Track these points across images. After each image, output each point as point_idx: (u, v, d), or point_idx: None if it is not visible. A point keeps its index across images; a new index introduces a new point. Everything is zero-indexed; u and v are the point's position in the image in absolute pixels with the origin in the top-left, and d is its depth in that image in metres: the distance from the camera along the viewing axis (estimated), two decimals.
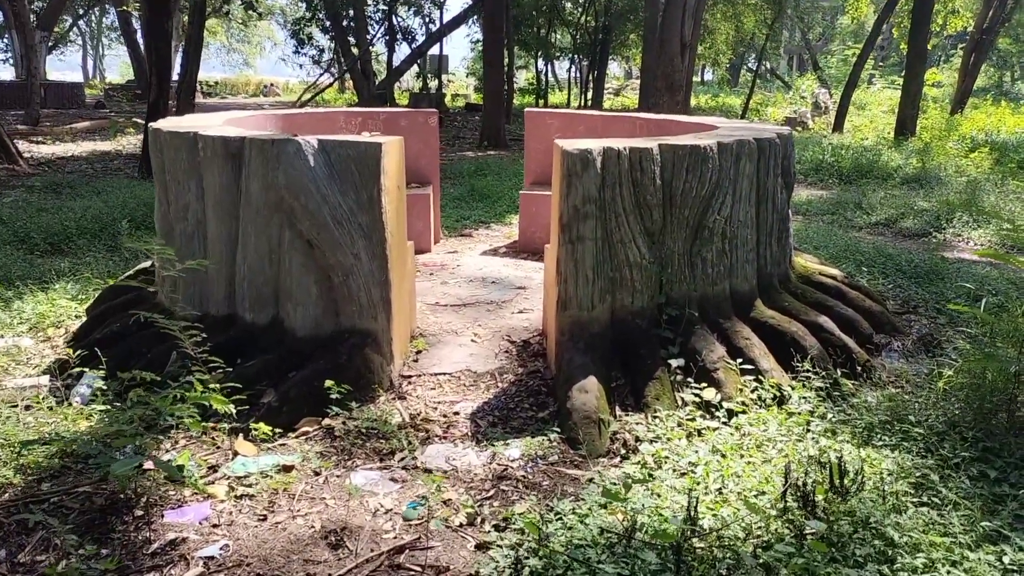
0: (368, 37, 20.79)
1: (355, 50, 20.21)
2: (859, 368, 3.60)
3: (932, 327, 4.33)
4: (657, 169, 3.40)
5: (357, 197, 3.25)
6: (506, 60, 24.59)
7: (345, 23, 20.53)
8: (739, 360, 3.41)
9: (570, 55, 31.17)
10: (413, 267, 4.02)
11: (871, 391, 3.41)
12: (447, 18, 25.03)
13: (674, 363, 3.36)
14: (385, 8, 23.27)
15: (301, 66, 23.99)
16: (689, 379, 3.33)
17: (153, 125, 3.79)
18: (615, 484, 2.64)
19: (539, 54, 29.82)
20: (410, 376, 3.59)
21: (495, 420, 3.24)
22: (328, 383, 3.12)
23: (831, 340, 3.68)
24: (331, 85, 20.89)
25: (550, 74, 31.33)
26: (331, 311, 3.37)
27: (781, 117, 18.93)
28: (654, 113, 8.74)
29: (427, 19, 23.52)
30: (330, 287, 3.35)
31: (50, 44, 26.37)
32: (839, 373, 3.47)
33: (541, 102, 29.43)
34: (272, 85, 37.91)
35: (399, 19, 23.49)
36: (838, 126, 17.47)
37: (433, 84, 23.91)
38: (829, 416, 3.14)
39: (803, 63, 40.50)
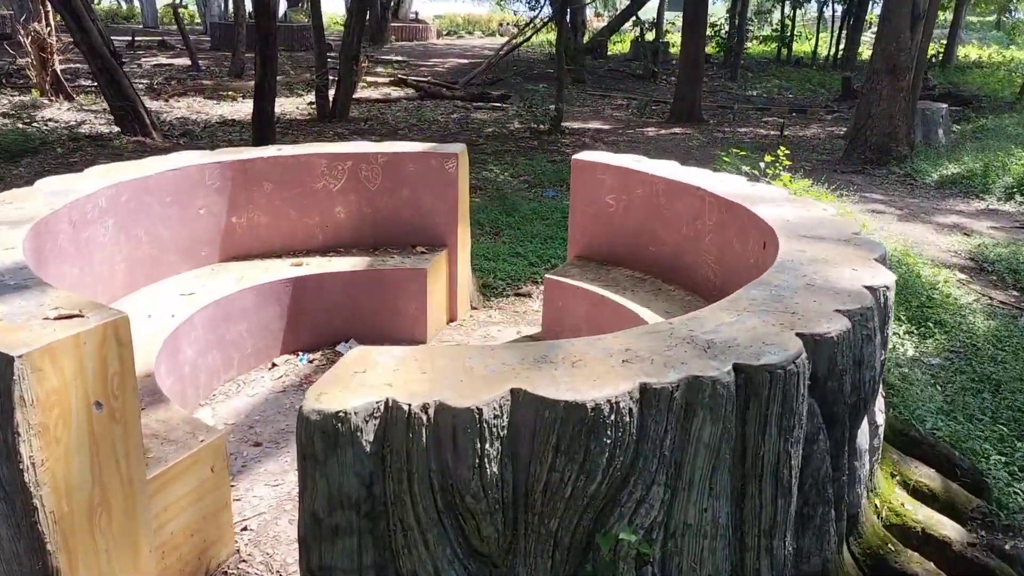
0: None
1: None
2: None
3: None
4: (491, 447, 1.78)
5: None
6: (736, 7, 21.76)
7: None
8: None
9: None
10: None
11: None
12: None
13: None
14: None
15: (516, 12, 22.74)
16: None
17: None
18: None
19: None
20: None
21: None
22: None
23: None
24: (538, 31, 19.43)
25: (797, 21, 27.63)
26: None
27: None
28: (861, 103, 6.47)
29: None
30: None
31: None
32: None
33: (784, 51, 26.09)
34: (506, 23, 37.07)
35: None
36: None
37: (650, 35, 21.67)
38: None
39: None
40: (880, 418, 2.69)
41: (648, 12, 26.62)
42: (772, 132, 13.03)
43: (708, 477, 1.93)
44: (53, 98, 11.95)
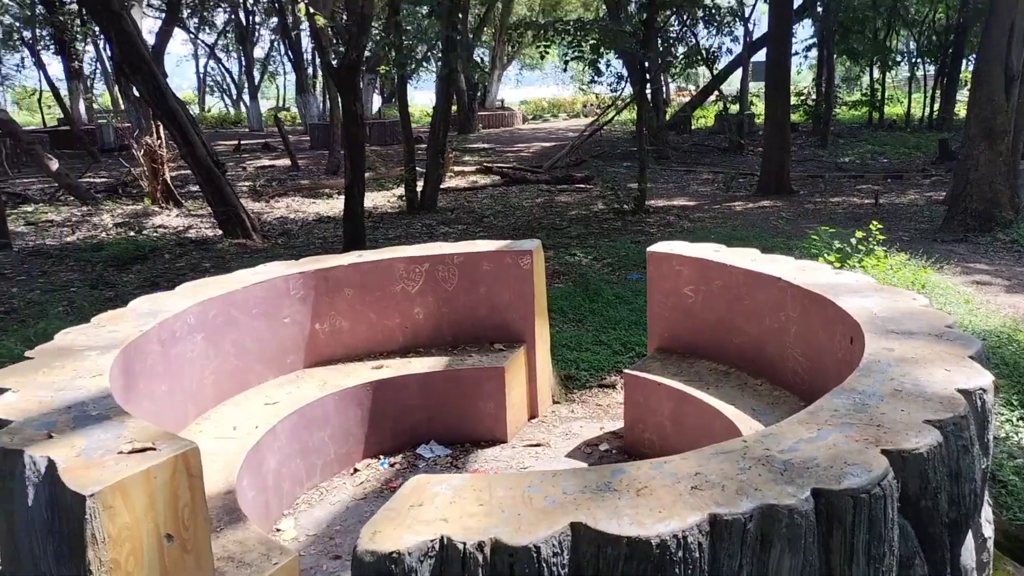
0: (659, 64, 19.19)
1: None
2: None
3: None
4: None
5: (70, 571, 2.02)
6: (823, 74, 21.54)
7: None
8: None
9: (912, 59, 26.73)
10: None
11: None
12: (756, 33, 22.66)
13: None
14: (685, 27, 21.55)
15: (597, 95, 23.10)
16: None
17: None
18: None
19: (874, 61, 25.96)
20: None
21: None
22: None
23: None
24: (620, 112, 19.66)
25: (888, 84, 27.09)
26: None
27: None
28: (959, 171, 6.07)
29: (730, 37, 21.30)
30: None
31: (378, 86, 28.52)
32: None
33: (876, 115, 25.58)
34: (589, 105, 37.68)
35: (697, 38, 21.62)
36: None
37: (734, 107, 21.62)
38: None
39: None
40: (988, 530, 2.47)
41: (732, 85, 26.69)
42: (866, 201, 12.65)
43: None
44: (163, 205, 12.74)
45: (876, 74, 25.80)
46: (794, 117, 24.73)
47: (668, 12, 18.79)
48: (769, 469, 1.93)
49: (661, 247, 4.40)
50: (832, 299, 3.30)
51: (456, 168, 17.07)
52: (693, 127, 26.10)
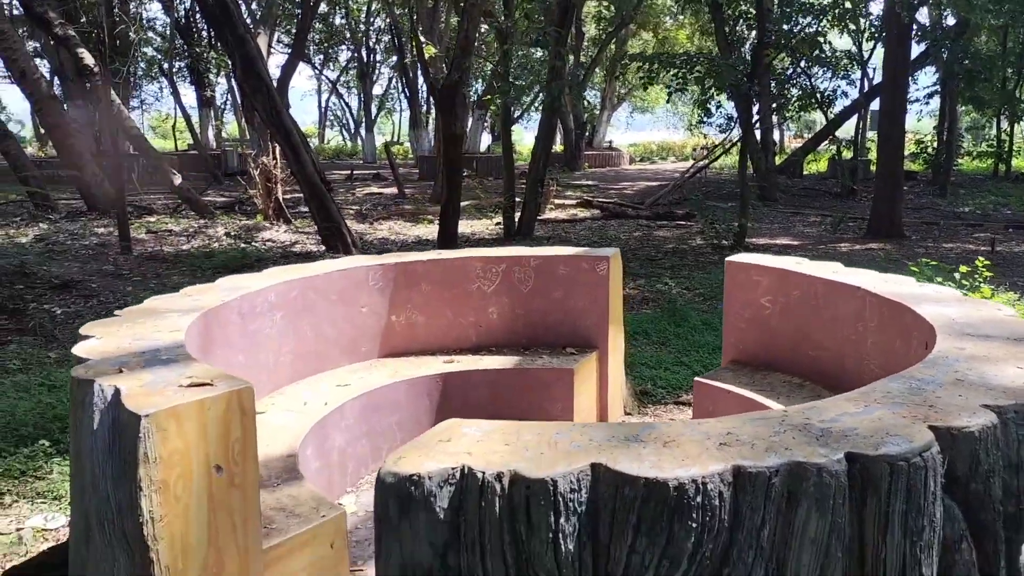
0: (770, 105, 18.92)
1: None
2: None
3: None
4: (566, 522, 1.70)
5: (124, 488, 2.15)
6: (944, 122, 20.73)
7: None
8: None
9: None
10: None
11: None
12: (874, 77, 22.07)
13: None
14: (799, 68, 21.17)
15: (705, 135, 22.92)
16: None
17: None
18: None
19: (1003, 111, 24.79)
20: None
21: None
22: None
23: None
24: (727, 151, 19.45)
25: (1016, 135, 25.77)
26: None
27: None
28: None
29: (846, 80, 20.78)
30: None
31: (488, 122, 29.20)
32: None
33: (1003, 166, 24.39)
34: (698, 148, 37.39)
35: (812, 80, 21.19)
36: None
37: (847, 152, 21.03)
38: None
39: None
40: None
41: (848, 132, 25.95)
42: (982, 248, 12.02)
43: None
44: (274, 222, 13.37)
45: (1004, 124, 24.60)
46: (913, 166, 23.87)
47: (782, 54, 18.56)
48: (805, 434, 1.87)
49: (740, 257, 4.33)
50: (911, 306, 3.18)
51: (557, 201, 17.22)
52: (805, 172, 25.50)
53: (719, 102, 22.22)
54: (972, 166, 26.65)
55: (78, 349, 2.66)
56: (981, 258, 6.73)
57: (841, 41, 25.57)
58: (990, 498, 1.93)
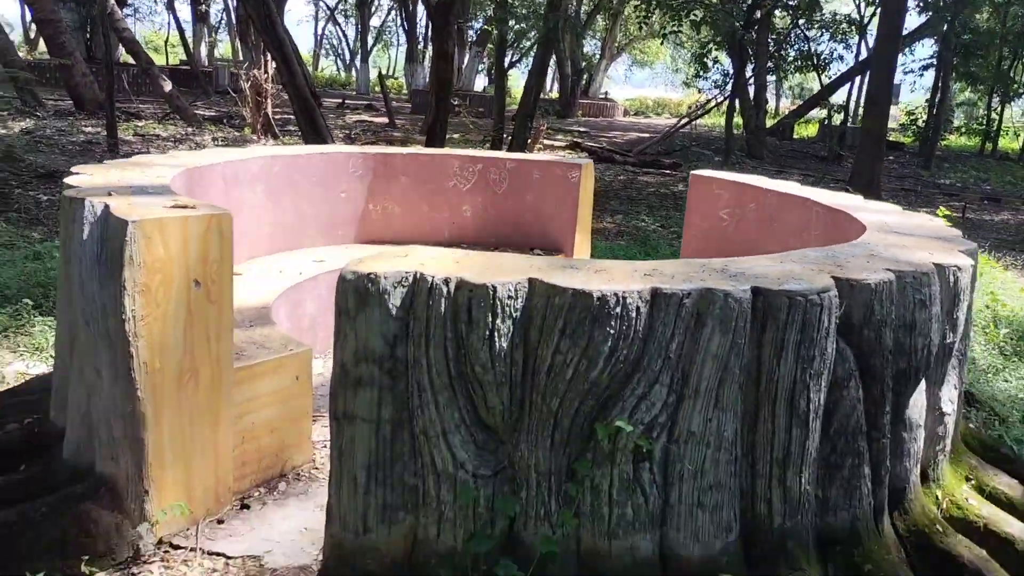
0: (766, 63, 18.96)
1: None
2: None
3: None
4: (502, 323, 1.94)
5: (109, 290, 2.37)
6: (936, 95, 20.88)
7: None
8: None
9: None
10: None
11: None
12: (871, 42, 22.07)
13: None
14: (798, 31, 21.19)
15: (700, 90, 22.95)
16: None
17: None
18: None
19: (995, 90, 24.94)
20: (181, 548, 2.58)
21: None
22: None
23: None
24: (716, 107, 19.55)
25: (1007, 115, 25.98)
26: (89, 439, 2.55)
27: None
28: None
29: (843, 44, 20.84)
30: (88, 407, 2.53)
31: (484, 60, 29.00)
32: None
33: (989, 145, 24.62)
34: (693, 105, 37.31)
35: (809, 42, 21.19)
36: None
37: (838, 118, 21.18)
38: None
39: None
40: (949, 408, 2.57)
41: (839, 99, 25.99)
42: (954, 214, 12.30)
43: (715, 389, 1.98)
44: (262, 136, 13.40)
45: (996, 103, 24.78)
46: (903, 138, 24.07)
47: (782, 12, 18.57)
48: (721, 274, 2.11)
49: (704, 172, 4.55)
50: (852, 213, 3.41)
51: (547, 142, 17.30)
52: (795, 136, 25.63)
53: (716, 57, 22.25)
54: (960, 143, 26.90)
55: (69, 181, 2.85)
56: (943, 208, 6.99)
57: (843, 4, 25.56)
58: (881, 346, 2.18)
